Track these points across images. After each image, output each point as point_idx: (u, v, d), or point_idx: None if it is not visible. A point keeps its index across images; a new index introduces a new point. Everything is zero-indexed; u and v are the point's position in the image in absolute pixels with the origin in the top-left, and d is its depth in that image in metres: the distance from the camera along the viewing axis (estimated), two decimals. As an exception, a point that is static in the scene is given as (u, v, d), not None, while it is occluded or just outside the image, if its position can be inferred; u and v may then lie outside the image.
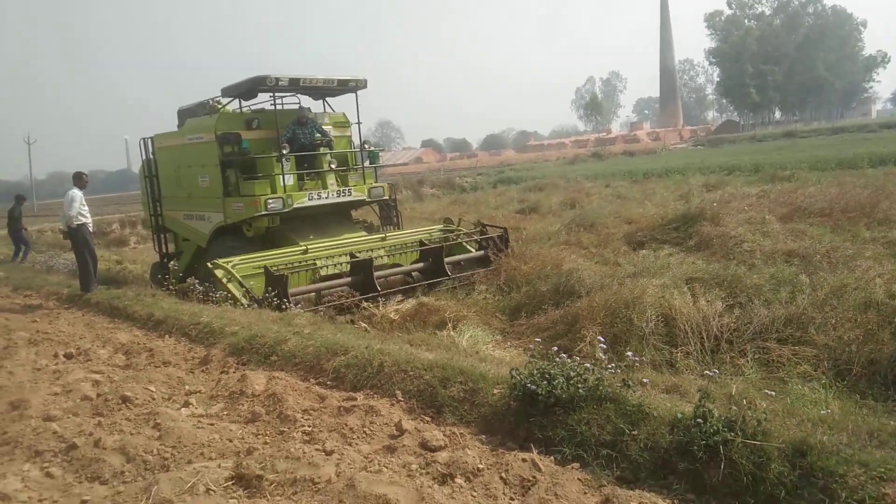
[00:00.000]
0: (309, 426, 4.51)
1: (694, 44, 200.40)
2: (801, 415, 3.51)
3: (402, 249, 10.71)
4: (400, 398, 4.80)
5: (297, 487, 3.56)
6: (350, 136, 12.46)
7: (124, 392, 5.34)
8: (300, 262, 9.51)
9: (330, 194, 11.00)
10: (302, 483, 3.57)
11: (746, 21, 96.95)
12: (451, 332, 7.30)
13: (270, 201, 10.23)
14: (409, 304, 8.75)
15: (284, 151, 10.58)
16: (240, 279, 8.76)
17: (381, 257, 10.28)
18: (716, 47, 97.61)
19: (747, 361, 5.81)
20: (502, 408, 4.24)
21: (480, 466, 3.61)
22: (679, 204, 15.11)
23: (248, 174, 10.73)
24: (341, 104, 12.59)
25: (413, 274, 10.24)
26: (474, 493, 3.38)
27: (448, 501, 3.25)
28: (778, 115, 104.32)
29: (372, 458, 3.88)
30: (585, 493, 3.33)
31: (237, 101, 11.47)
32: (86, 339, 7.96)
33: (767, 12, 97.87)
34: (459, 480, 3.52)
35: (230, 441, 4.35)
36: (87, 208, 10.64)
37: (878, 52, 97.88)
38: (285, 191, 10.55)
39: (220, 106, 11.66)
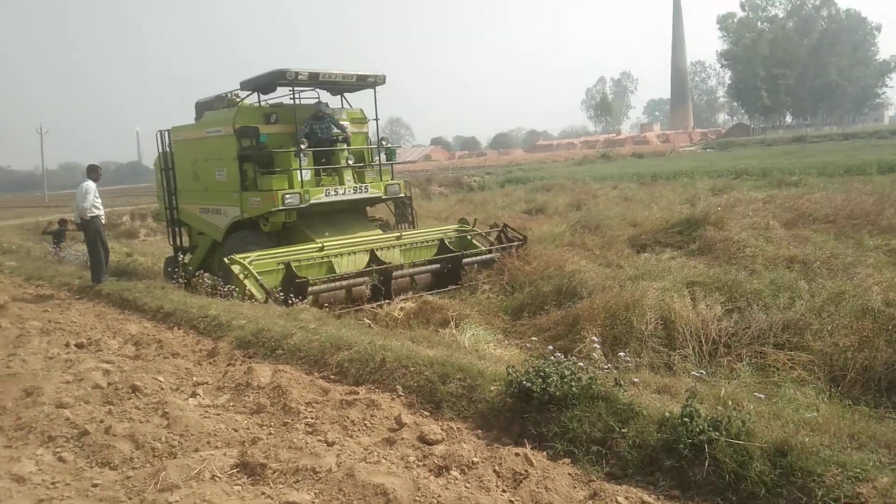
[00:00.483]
0: (312, 418, 4.66)
1: (706, 46, 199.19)
2: (786, 417, 3.63)
3: (420, 246, 10.62)
4: (400, 393, 4.94)
5: (299, 476, 3.70)
6: (367, 133, 12.40)
7: (134, 381, 5.51)
8: (318, 260, 9.51)
9: (347, 190, 10.97)
10: (303, 472, 3.72)
11: (759, 24, 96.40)
12: (454, 331, 7.43)
13: (287, 196, 10.22)
14: (413, 302, 8.87)
15: (303, 146, 10.54)
16: (256, 275, 8.76)
17: (397, 258, 10.24)
18: (728, 50, 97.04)
19: (743, 365, 5.91)
20: (499, 404, 4.38)
21: (475, 460, 3.75)
22: (685, 207, 15.17)
23: (265, 168, 10.74)
24: (356, 99, 12.65)
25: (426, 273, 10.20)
26: (468, 485, 3.52)
27: (442, 492, 3.39)
28: (789, 119, 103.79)
29: (371, 450, 4.02)
30: (574, 487, 3.47)
31: (256, 94, 11.45)
32: (97, 330, 8.14)
33: (780, 15, 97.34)
34: (454, 472, 3.66)
35: (235, 431, 4.51)
36: (100, 200, 10.77)
37: (892, 57, 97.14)
38: (302, 186, 10.54)
39: (238, 99, 11.64)
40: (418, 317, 8.25)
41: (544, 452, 3.84)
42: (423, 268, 10.18)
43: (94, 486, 3.77)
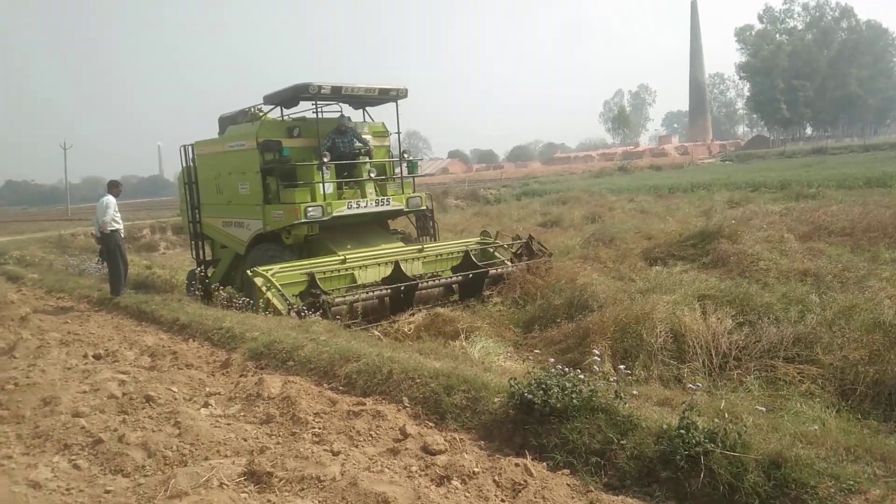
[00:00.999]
0: (319, 428, 4.75)
1: (725, 58, 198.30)
2: (783, 430, 3.65)
3: (442, 259, 10.64)
4: (406, 404, 5.02)
5: (304, 484, 3.80)
6: (388, 146, 12.48)
7: (148, 392, 5.65)
8: (340, 273, 9.57)
9: (369, 203, 11.02)
10: (309, 480, 3.81)
11: (778, 36, 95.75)
12: (464, 343, 7.48)
13: (310, 209, 10.27)
14: (423, 315, 8.91)
15: (325, 160, 10.62)
16: (279, 287, 8.77)
17: (419, 270, 10.23)
18: (746, 62, 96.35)
19: (752, 379, 5.89)
20: (501, 416, 4.44)
21: (476, 470, 3.81)
22: (700, 220, 15.10)
23: (288, 182, 10.82)
24: (377, 112, 12.70)
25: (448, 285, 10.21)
26: (468, 494, 3.59)
27: (442, 501, 3.46)
28: (809, 131, 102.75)
29: (375, 460, 4.11)
30: (572, 497, 3.53)
31: (278, 108, 11.57)
32: (114, 341, 8.32)
33: (799, 27, 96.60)
34: (455, 482, 3.73)
35: (245, 440, 4.62)
36: (119, 215, 11.03)
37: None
38: (325, 199, 10.61)
39: (261, 114, 11.78)
40: (429, 329, 8.29)
41: (544, 463, 3.89)
42: (449, 279, 10.16)
43: (107, 492, 3.89)
